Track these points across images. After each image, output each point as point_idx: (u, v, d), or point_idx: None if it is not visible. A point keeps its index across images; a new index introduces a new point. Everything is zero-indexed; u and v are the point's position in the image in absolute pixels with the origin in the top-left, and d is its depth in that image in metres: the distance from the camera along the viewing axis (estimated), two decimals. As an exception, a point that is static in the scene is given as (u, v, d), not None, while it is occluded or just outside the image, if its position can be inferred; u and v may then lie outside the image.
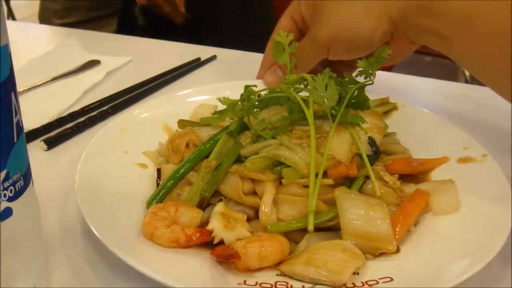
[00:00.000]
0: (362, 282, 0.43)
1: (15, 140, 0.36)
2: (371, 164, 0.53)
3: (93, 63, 0.98)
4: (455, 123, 0.64)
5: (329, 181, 0.51)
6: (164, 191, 0.54)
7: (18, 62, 0.94)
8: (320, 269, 0.43)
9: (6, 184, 0.35)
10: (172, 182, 0.55)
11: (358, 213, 0.48)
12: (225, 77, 0.92)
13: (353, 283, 0.43)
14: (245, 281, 0.44)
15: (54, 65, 0.96)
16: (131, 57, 1.02)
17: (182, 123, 0.66)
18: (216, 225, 0.46)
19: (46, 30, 1.35)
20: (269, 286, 0.43)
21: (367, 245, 0.47)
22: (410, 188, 0.54)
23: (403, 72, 0.94)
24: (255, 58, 1.00)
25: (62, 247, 0.51)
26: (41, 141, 0.69)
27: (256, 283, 0.43)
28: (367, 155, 0.53)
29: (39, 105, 0.82)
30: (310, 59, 0.70)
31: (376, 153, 0.55)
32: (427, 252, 0.47)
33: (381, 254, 0.47)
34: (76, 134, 0.73)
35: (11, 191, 0.36)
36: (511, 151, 0.65)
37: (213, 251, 0.46)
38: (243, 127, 0.59)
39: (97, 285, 0.46)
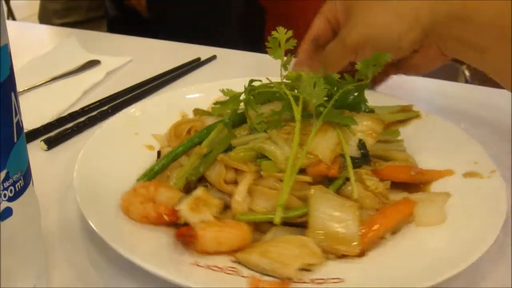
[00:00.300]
0: (310, 279, 0.43)
1: (15, 140, 0.36)
2: (358, 167, 0.53)
3: (93, 63, 0.98)
4: (464, 128, 0.63)
5: (306, 178, 0.51)
6: (154, 171, 0.56)
7: (18, 62, 0.93)
8: (272, 260, 0.44)
9: (6, 184, 0.35)
10: (163, 162, 0.57)
11: (328, 212, 0.48)
12: (225, 77, 0.92)
13: (300, 279, 0.43)
14: (197, 262, 0.45)
15: (54, 65, 0.96)
16: (131, 57, 1.02)
17: (197, 111, 0.69)
18: (182, 207, 0.48)
19: (46, 30, 1.35)
20: (218, 270, 0.44)
21: (330, 245, 0.46)
22: (402, 196, 0.53)
23: (403, 72, 0.94)
24: (256, 58, 1.01)
25: (62, 246, 0.51)
26: (41, 141, 0.69)
27: (207, 265, 0.45)
28: (354, 158, 0.53)
29: (39, 105, 0.82)
30: (338, 61, 0.69)
31: (365, 157, 0.54)
32: (395, 259, 0.46)
33: (347, 256, 0.46)
34: (76, 134, 0.73)
35: (11, 191, 0.36)
36: (511, 151, 0.65)
37: (177, 230, 0.47)
38: (245, 120, 0.60)
39: (100, 284, 0.46)
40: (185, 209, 0.48)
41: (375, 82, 0.76)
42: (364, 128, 0.56)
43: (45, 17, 1.49)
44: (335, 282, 0.43)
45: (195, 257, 0.46)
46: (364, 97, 0.60)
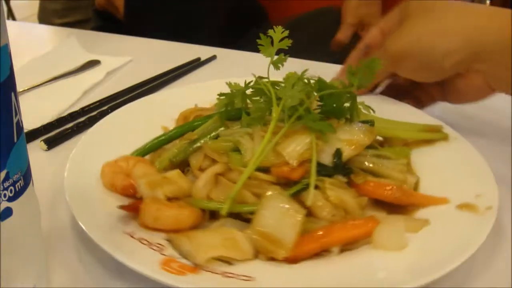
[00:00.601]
0: (222, 272, 0.43)
1: (15, 140, 0.36)
2: (328, 176, 0.52)
3: (93, 63, 0.98)
4: (464, 129, 0.62)
5: (268, 177, 0.51)
6: (145, 149, 0.60)
7: (18, 62, 0.93)
8: (191, 245, 0.45)
9: (6, 184, 0.35)
10: (155, 142, 0.60)
11: (273, 213, 0.47)
12: (225, 77, 0.92)
13: (211, 268, 0.44)
14: (133, 233, 0.47)
15: (54, 65, 0.96)
16: (131, 57, 1.02)
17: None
18: (140, 182, 0.51)
19: (46, 30, 1.35)
20: (146, 244, 0.46)
21: (263, 245, 0.46)
22: (379, 215, 0.51)
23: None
24: (256, 58, 1.00)
25: (62, 246, 0.50)
26: (41, 141, 0.69)
27: (140, 238, 0.46)
28: (324, 166, 0.52)
29: (39, 105, 0.82)
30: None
31: (337, 167, 0.52)
32: (323, 272, 0.45)
33: (277, 260, 0.46)
34: (76, 134, 0.72)
35: (11, 191, 0.36)
36: (511, 152, 0.65)
37: (132, 203, 0.50)
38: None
39: (99, 285, 0.46)
40: (142, 184, 0.51)
41: (423, 105, 0.74)
42: (347, 137, 0.54)
43: (45, 17, 1.49)
44: (244, 280, 0.43)
45: (134, 229, 0.47)
46: (356, 106, 0.59)
